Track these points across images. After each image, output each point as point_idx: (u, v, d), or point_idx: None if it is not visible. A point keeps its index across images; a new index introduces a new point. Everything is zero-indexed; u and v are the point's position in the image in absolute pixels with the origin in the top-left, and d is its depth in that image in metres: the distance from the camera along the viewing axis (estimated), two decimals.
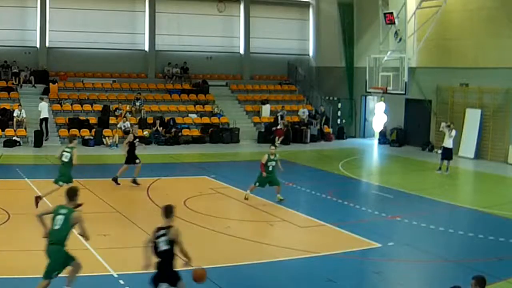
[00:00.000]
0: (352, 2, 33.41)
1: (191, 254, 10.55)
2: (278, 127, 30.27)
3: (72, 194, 9.27)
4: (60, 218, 8.98)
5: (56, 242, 8.99)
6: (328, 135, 32.17)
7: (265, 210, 15.92)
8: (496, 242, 13.29)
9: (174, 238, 8.55)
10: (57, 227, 8.98)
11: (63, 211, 9.05)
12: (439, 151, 24.08)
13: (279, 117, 30.76)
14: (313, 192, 18.11)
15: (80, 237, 12.45)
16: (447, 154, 22.02)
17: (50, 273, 9.03)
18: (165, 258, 8.58)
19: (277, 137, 29.55)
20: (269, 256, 12.04)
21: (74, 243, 12.12)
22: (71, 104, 29.07)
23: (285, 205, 16.27)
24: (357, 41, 33.24)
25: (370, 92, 30.04)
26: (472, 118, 26.28)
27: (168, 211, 8.68)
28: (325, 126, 32.52)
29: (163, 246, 8.56)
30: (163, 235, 8.54)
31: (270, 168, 16.59)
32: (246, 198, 16.68)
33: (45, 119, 26.69)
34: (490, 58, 25.44)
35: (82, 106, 29.07)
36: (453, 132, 22.25)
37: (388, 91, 28.35)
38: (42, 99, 27.44)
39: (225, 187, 18.73)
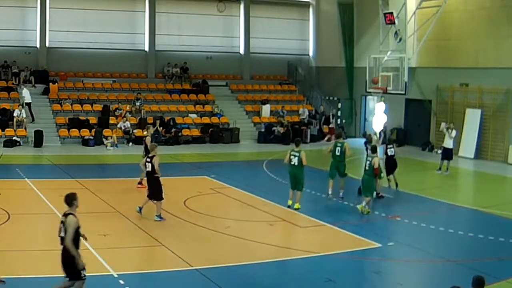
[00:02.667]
0: (352, 2, 33.40)
1: (191, 253, 10.58)
2: (330, 125, 31.23)
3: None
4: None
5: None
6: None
7: (265, 210, 15.92)
8: (496, 242, 13.29)
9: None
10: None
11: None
12: (439, 151, 24.08)
13: (331, 116, 31.82)
14: (313, 192, 18.09)
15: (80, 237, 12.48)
16: (447, 154, 22.02)
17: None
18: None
19: (328, 135, 30.14)
20: (269, 256, 12.05)
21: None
22: (71, 104, 29.05)
23: (285, 205, 16.25)
24: (357, 41, 33.24)
25: (370, 92, 30.02)
26: (472, 118, 26.28)
27: None
28: (325, 126, 32.54)
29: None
30: None
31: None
32: (367, 213, 15.46)
33: (29, 104, 27.14)
34: (490, 58, 25.44)
35: (82, 106, 29.06)
36: (453, 133, 22.26)
37: (388, 91, 28.33)
38: (24, 86, 27.79)
39: (225, 187, 18.73)
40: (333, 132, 30.24)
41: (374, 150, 15.94)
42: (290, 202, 16.02)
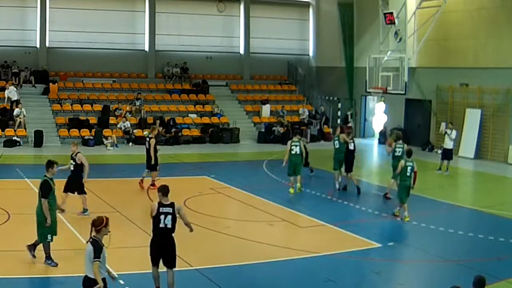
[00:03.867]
0: (352, 2, 33.40)
1: (191, 253, 10.49)
2: (349, 124, 31.61)
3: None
4: None
5: None
6: (328, 135, 32.17)
7: (265, 210, 15.92)
8: (496, 242, 13.28)
9: None
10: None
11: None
12: (439, 151, 24.07)
13: (349, 116, 32.34)
14: (313, 192, 18.11)
15: (80, 238, 12.48)
16: (447, 154, 22.06)
17: None
18: None
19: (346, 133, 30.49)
20: (269, 256, 12.04)
21: (74, 244, 12.16)
22: (71, 104, 29.05)
23: (285, 205, 16.27)
24: (357, 41, 33.23)
25: (370, 92, 30.03)
26: (472, 118, 26.28)
27: None
28: (325, 126, 32.55)
29: None
30: None
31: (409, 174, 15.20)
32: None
33: (16, 101, 27.02)
34: (490, 58, 25.45)
35: (82, 106, 29.06)
36: (453, 134, 22.29)
37: (388, 91, 28.35)
38: (10, 84, 27.72)
39: (225, 187, 18.73)
40: (349, 130, 30.58)
41: (410, 154, 15.32)
42: (292, 190, 17.69)
